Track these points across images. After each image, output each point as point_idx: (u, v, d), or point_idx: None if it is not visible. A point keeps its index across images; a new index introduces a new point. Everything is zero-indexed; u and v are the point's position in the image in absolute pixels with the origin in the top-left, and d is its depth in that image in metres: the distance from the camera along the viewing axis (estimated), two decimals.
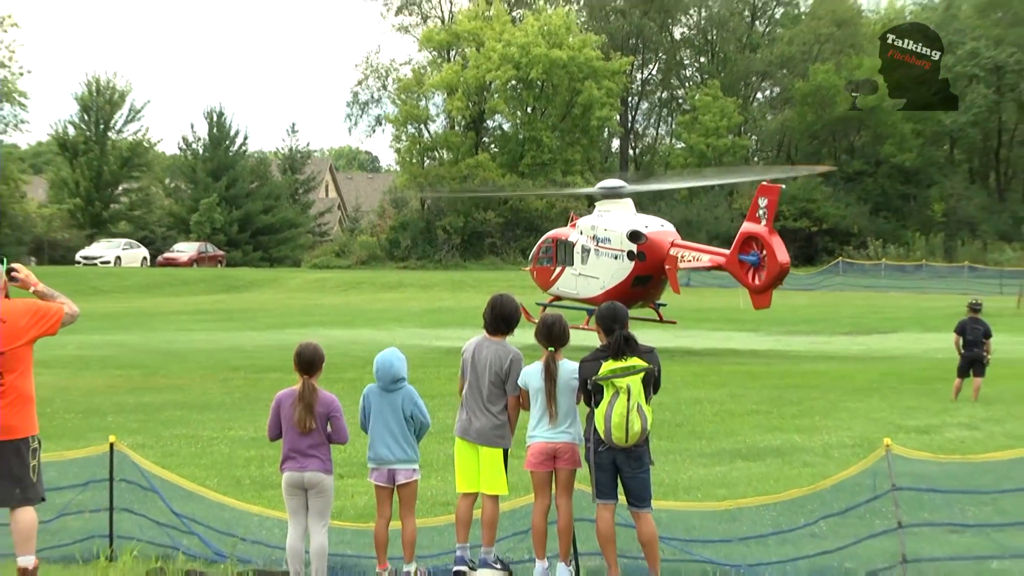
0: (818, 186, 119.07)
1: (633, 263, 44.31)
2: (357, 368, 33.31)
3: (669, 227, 46.17)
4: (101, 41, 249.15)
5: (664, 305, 48.09)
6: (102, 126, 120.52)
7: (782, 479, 19.98)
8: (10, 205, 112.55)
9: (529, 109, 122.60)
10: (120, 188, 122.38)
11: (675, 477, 20.14)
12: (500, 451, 13.71)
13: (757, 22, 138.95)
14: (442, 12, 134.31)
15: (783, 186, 41.52)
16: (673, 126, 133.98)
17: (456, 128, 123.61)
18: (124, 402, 31.24)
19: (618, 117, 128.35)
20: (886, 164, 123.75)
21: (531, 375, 13.51)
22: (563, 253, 47.35)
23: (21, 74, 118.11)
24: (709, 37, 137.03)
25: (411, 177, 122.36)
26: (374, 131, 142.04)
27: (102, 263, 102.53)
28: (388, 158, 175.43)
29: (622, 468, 13.02)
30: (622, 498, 13.23)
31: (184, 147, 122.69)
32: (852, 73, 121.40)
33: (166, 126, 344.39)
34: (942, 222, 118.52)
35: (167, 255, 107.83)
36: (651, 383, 12.99)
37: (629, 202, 47.42)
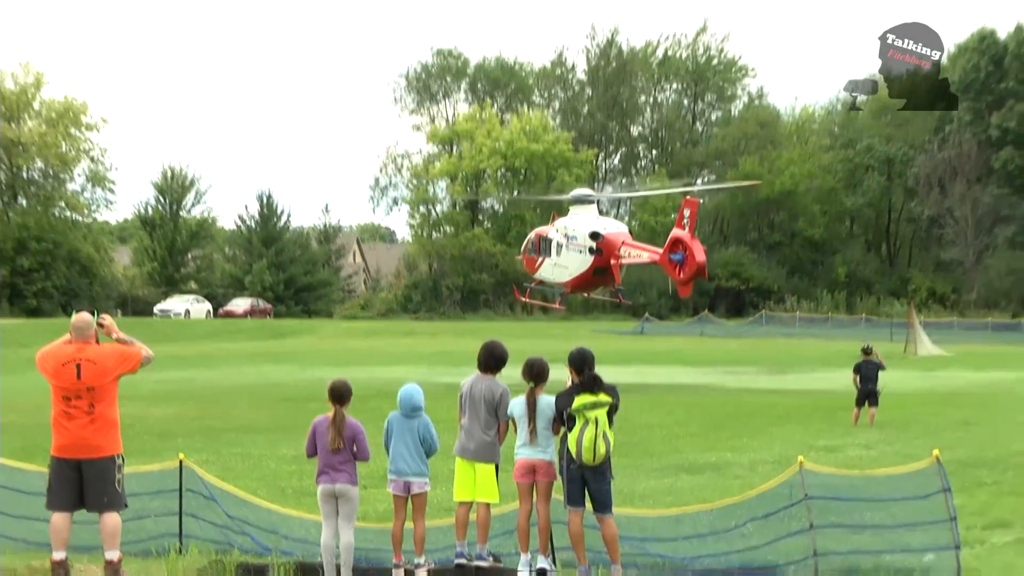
0: (746, 253, 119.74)
1: (593, 257, 44.52)
2: (378, 399, 33.15)
3: (623, 228, 46.56)
4: (175, 136, 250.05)
5: (622, 290, 48.62)
6: (175, 206, 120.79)
7: (717, 489, 19.93)
8: (101, 268, 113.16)
9: (515, 192, 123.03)
10: (189, 255, 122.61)
11: (631, 487, 20.07)
12: (492, 466, 13.75)
13: (697, 123, 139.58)
14: (446, 114, 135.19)
15: (701, 200, 41.88)
16: (630, 206, 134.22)
17: (457, 207, 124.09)
18: (191, 427, 31.16)
19: None
20: (799, 236, 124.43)
21: (516, 406, 13.58)
22: (544, 246, 47.60)
23: (111, 168, 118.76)
24: (660, 135, 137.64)
25: (421, 247, 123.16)
26: (392, 210, 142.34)
27: (174, 315, 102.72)
28: (403, 231, 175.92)
29: (589, 481, 13.06)
30: (589, 505, 13.26)
31: (240, 223, 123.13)
32: (772, 163, 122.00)
33: (226, 205, 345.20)
34: (844, 282, 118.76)
35: (226, 308, 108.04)
36: (614, 413, 13.07)
37: (595, 207, 47.71)
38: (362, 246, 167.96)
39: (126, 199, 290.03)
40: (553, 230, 47.51)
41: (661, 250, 41.65)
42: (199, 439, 28.17)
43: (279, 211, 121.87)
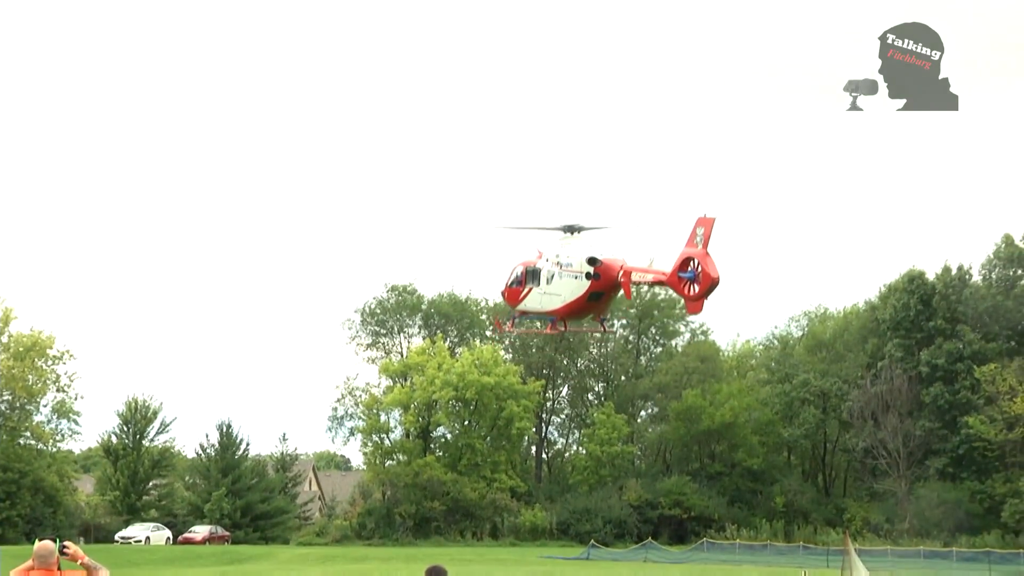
0: (688, 483, 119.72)
1: (590, 282, 44.09)
2: None
3: (619, 255, 46.56)
4: (140, 366, 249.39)
5: (606, 319, 48.26)
6: (138, 436, 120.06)
7: None
8: (65, 497, 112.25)
9: (465, 422, 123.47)
10: (151, 484, 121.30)
11: None
12: None
13: (642, 358, 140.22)
14: (401, 348, 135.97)
15: (715, 218, 41.45)
16: (579, 436, 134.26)
17: (409, 437, 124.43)
18: None
19: (534, 428, 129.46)
20: (739, 466, 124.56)
21: None
22: (531, 276, 47.01)
23: (76, 398, 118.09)
24: (605, 368, 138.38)
25: (375, 475, 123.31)
26: (348, 440, 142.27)
27: (135, 542, 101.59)
28: (358, 460, 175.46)
29: None
30: None
31: (200, 452, 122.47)
32: (713, 396, 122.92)
33: (188, 432, 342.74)
34: (782, 511, 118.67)
35: (186, 535, 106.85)
36: None
37: (584, 237, 47.47)
38: (318, 474, 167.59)
39: (91, 427, 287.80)
40: (543, 260, 47.29)
41: (668, 271, 41.75)
42: None
43: (238, 440, 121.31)
